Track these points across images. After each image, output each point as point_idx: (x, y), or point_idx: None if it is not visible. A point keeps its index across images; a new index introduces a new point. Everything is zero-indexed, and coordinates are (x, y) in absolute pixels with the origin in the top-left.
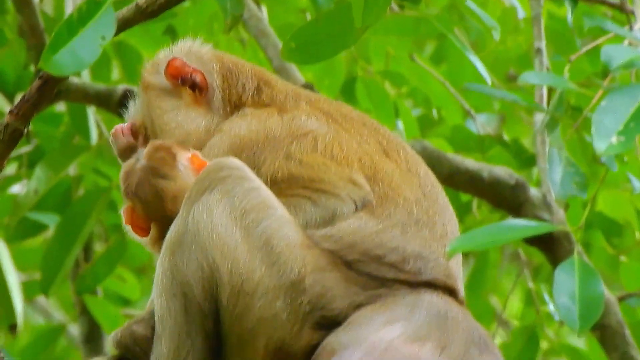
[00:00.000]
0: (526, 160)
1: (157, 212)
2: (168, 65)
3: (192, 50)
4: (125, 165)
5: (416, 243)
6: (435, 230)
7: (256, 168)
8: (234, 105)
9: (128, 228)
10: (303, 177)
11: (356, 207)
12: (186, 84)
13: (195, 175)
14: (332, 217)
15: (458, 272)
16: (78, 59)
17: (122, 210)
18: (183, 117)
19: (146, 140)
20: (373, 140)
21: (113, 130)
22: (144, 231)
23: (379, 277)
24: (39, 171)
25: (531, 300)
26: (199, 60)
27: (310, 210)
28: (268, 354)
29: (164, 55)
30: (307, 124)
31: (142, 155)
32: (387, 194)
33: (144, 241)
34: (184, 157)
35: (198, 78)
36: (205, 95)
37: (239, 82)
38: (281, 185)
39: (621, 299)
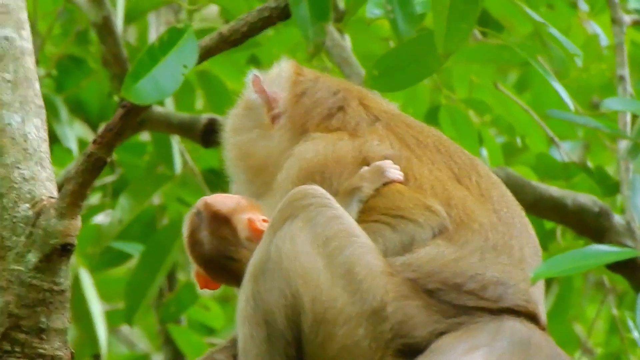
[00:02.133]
0: (610, 187)
1: (228, 280)
2: (252, 83)
3: (271, 73)
4: (189, 230)
5: (495, 269)
6: (513, 254)
7: (333, 194)
8: (304, 130)
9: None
10: (379, 204)
11: (433, 233)
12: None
13: (257, 241)
14: (411, 243)
15: (539, 298)
16: (160, 87)
17: (194, 275)
18: (254, 138)
19: None
20: (445, 167)
21: None
22: (216, 286)
23: (460, 305)
24: (122, 200)
25: (615, 327)
26: (275, 83)
27: (389, 236)
28: None
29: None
30: (378, 149)
31: (204, 221)
32: (462, 220)
33: None
34: (244, 230)
35: (270, 101)
36: (278, 118)
37: (311, 107)
38: (359, 212)
39: None
